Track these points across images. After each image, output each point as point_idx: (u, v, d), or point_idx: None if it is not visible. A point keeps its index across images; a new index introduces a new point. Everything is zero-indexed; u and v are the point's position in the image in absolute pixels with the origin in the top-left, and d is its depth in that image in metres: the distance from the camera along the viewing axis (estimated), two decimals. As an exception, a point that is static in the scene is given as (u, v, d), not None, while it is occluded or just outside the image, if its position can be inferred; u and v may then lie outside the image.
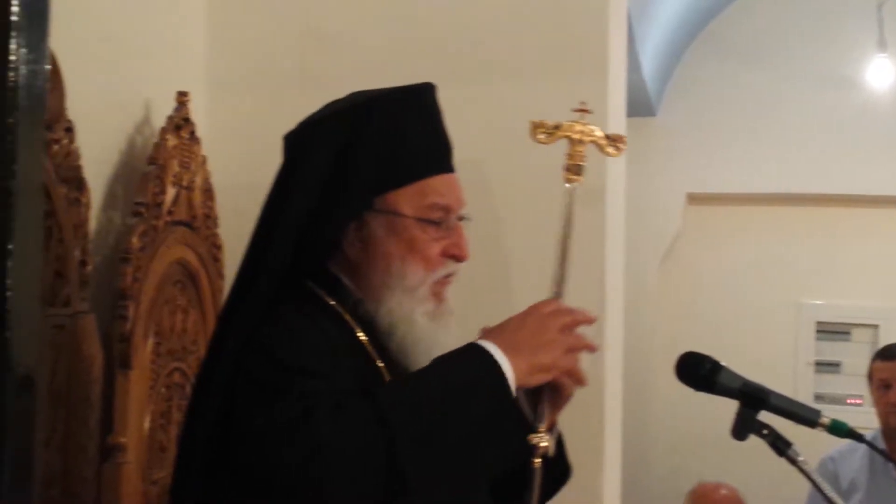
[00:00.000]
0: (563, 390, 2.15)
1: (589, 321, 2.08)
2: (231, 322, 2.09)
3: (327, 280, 2.15)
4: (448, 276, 2.17)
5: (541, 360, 1.98)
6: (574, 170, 2.34)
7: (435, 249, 2.15)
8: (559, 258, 2.31)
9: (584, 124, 2.36)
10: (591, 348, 2.08)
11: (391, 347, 2.12)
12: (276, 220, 2.13)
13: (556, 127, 2.35)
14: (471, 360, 1.95)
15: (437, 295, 2.15)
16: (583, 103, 2.36)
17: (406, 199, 2.13)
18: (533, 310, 2.04)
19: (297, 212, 2.12)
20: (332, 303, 2.13)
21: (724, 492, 4.82)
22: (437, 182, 2.18)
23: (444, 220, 2.15)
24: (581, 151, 2.34)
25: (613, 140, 2.38)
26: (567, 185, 2.33)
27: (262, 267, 2.11)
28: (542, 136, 2.35)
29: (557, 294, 2.24)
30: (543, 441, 2.11)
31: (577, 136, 2.34)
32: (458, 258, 2.18)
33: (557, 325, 2.03)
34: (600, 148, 2.37)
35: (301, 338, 1.99)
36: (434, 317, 2.14)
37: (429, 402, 1.88)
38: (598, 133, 2.35)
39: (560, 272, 2.29)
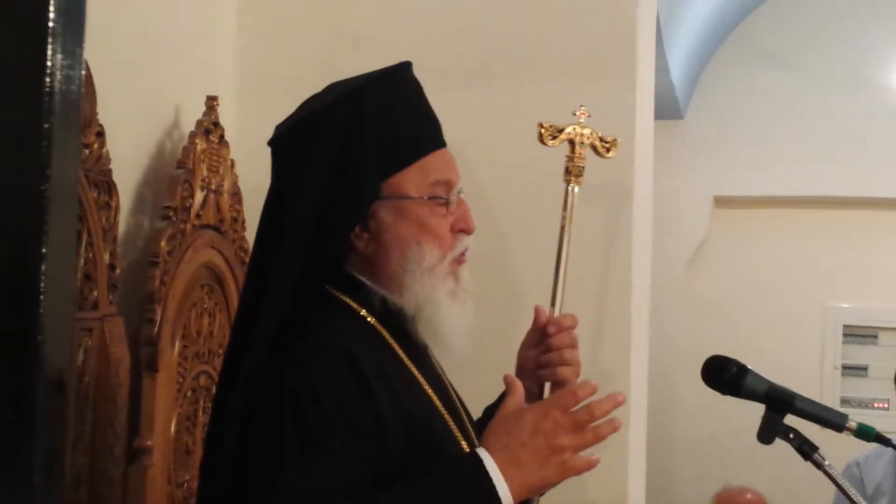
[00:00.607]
0: (564, 384, 2.25)
1: (600, 414, 1.90)
2: (250, 338, 2.07)
3: (345, 281, 2.13)
4: (463, 252, 2.17)
5: (546, 475, 1.87)
6: (575, 171, 2.41)
7: (445, 227, 2.14)
8: (558, 257, 2.38)
9: (584, 127, 2.43)
10: (592, 464, 1.91)
11: (418, 333, 2.12)
12: (284, 228, 2.10)
13: (560, 130, 2.42)
14: (468, 473, 1.86)
15: (455, 274, 2.14)
16: (582, 107, 2.43)
17: (409, 181, 2.11)
18: (544, 416, 1.88)
19: (306, 216, 2.09)
20: (349, 301, 2.11)
21: (749, 496, 4.81)
22: (435, 158, 2.16)
23: (447, 196, 2.15)
24: (581, 154, 2.41)
25: (608, 143, 2.48)
26: (567, 186, 2.40)
27: (274, 280, 2.08)
28: (550, 141, 2.42)
29: (555, 290, 2.33)
30: None
31: (578, 139, 2.41)
32: (467, 231, 2.17)
33: (567, 428, 1.87)
34: (597, 150, 2.45)
35: (339, 379, 1.95)
36: (455, 296, 2.13)
37: None
38: (596, 136, 2.44)
39: (559, 270, 2.38)
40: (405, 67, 2.21)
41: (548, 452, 1.85)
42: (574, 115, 2.47)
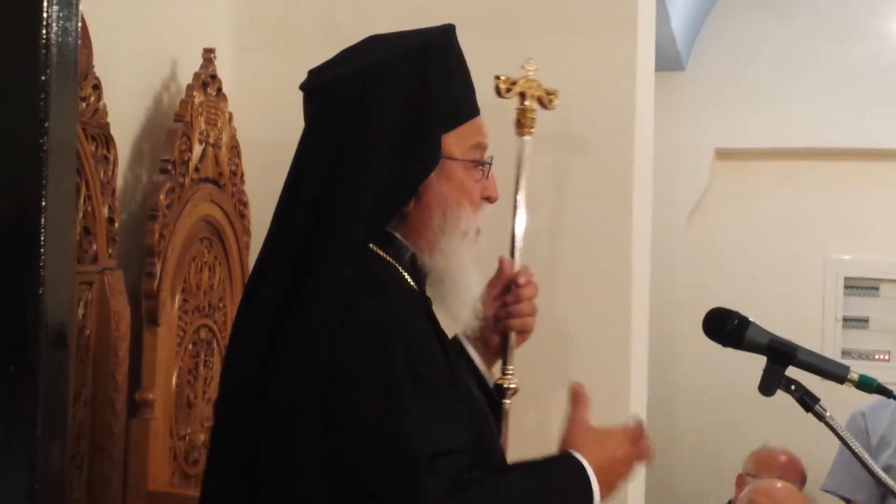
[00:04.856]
0: (525, 333, 2.36)
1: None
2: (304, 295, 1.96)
3: (380, 236, 2.07)
4: None
5: (609, 494, 2.05)
6: (528, 123, 2.45)
7: (478, 193, 2.14)
8: (514, 208, 2.40)
9: (532, 80, 2.46)
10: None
11: (439, 294, 2.12)
12: (348, 180, 2.00)
13: (514, 83, 2.45)
14: (575, 478, 2.01)
15: (478, 242, 2.14)
16: (529, 60, 2.46)
17: (455, 142, 2.10)
18: (629, 449, 2.10)
19: (377, 172, 2.00)
20: (387, 256, 2.07)
21: (783, 458, 4.79)
22: (476, 122, 2.15)
23: (482, 161, 2.15)
24: (532, 106, 2.45)
25: (551, 94, 2.53)
26: (521, 138, 2.44)
27: (335, 235, 1.98)
28: (506, 93, 2.46)
29: (513, 242, 2.42)
30: (513, 383, 2.33)
31: (528, 91, 2.45)
32: (492, 200, 2.18)
33: (633, 460, 2.12)
34: (542, 102, 2.48)
35: (430, 338, 1.98)
36: (476, 264, 2.13)
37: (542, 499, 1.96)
38: (542, 88, 2.47)
39: (514, 221, 2.43)
40: (453, 29, 2.17)
41: (620, 476, 2.08)
42: (522, 68, 2.48)
